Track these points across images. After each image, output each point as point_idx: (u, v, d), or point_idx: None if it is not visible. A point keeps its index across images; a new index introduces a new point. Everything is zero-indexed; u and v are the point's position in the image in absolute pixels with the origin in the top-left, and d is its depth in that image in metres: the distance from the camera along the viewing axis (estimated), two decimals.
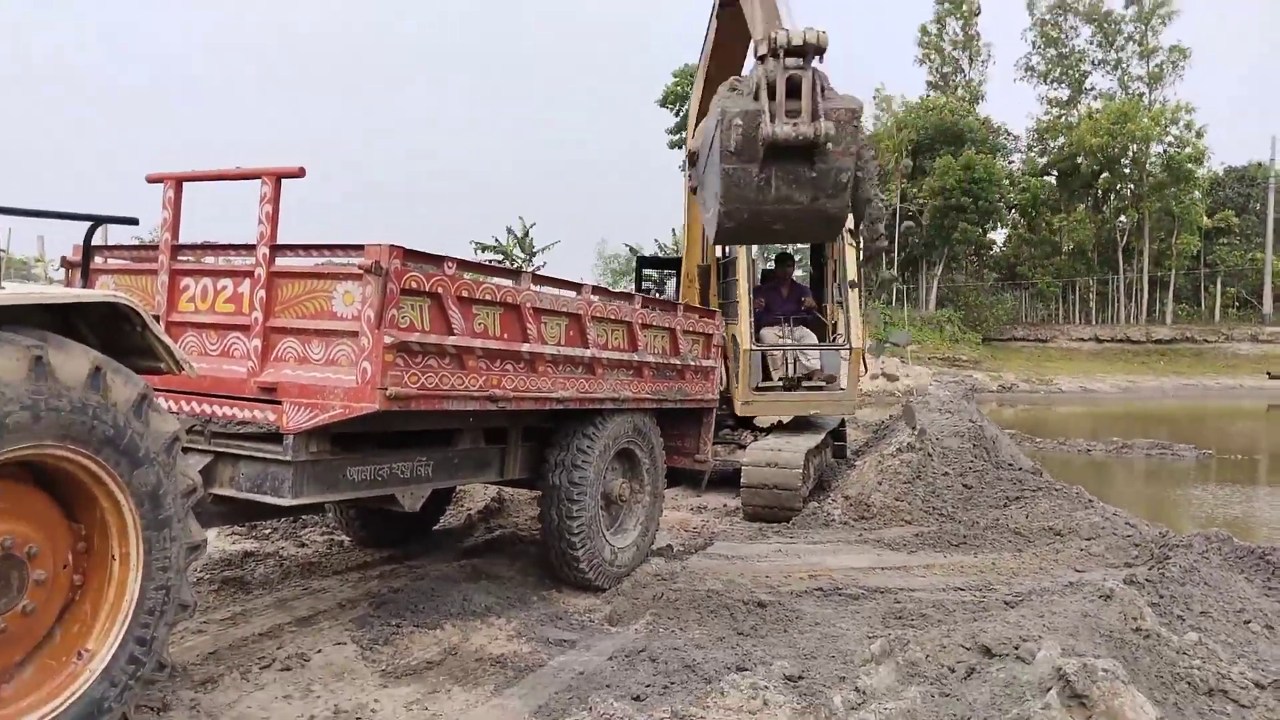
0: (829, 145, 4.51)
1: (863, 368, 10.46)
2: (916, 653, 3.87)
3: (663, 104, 51.70)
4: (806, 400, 10.28)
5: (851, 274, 10.34)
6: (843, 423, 11.90)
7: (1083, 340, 52.82)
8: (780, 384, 10.26)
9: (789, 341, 10.35)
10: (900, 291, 51.31)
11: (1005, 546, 7.74)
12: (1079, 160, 53.74)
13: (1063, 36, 58.56)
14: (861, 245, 5.46)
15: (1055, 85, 59.12)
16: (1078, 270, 57.01)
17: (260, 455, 4.40)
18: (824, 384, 10.26)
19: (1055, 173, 56.17)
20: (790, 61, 4.53)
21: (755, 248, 11.67)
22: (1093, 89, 58.82)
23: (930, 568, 7.07)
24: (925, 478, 9.34)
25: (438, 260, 4.51)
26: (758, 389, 10.07)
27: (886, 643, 4.20)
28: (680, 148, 52.12)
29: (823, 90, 4.54)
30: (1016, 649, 3.81)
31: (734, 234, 5.07)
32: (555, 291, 5.44)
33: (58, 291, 3.41)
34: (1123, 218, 56.64)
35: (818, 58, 4.61)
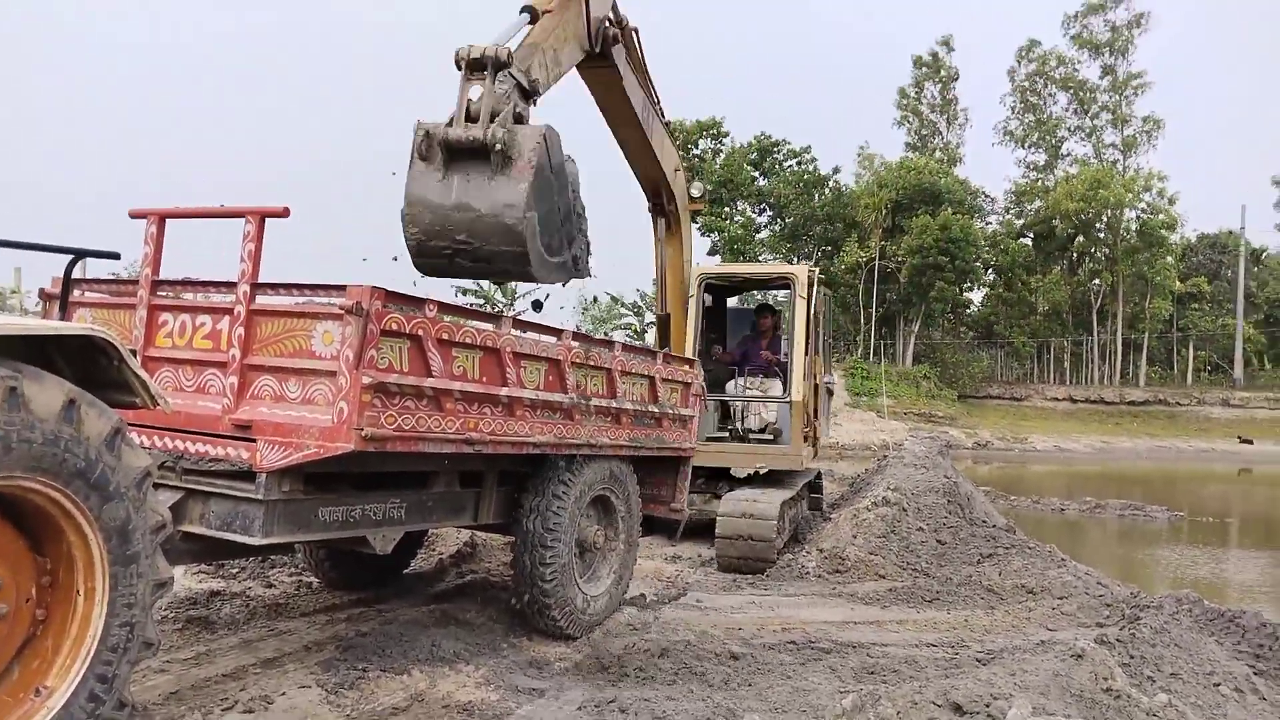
0: (510, 157, 4.93)
1: (807, 420, 10.35)
2: (888, 709, 3.86)
3: None
4: (752, 453, 10.27)
5: (799, 325, 10.31)
6: (819, 475, 11.93)
7: (1057, 400, 53.26)
8: (727, 435, 10.32)
9: (750, 393, 10.39)
10: (877, 346, 51.67)
11: (978, 603, 7.74)
12: (1055, 223, 54.72)
13: (1040, 103, 59.93)
14: (568, 266, 5.58)
15: (1033, 149, 60.38)
16: (1053, 330, 57.74)
17: (231, 493, 4.36)
18: (773, 437, 10.26)
19: (1031, 234, 57.09)
20: (475, 75, 5.07)
21: (726, 299, 11.75)
22: (1069, 154, 60.08)
23: (903, 623, 7.06)
24: (900, 533, 9.37)
25: (419, 302, 4.52)
26: (710, 439, 10.09)
27: (858, 698, 4.18)
28: None
29: (521, 117, 5.12)
30: (988, 707, 3.81)
31: (423, 247, 5.23)
32: (536, 336, 5.46)
33: (35, 323, 3.39)
34: (1097, 280, 57.51)
35: (503, 73, 5.15)
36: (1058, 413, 51.42)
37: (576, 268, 5.80)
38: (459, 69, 5.17)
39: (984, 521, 10.71)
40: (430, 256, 5.29)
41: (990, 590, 8.12)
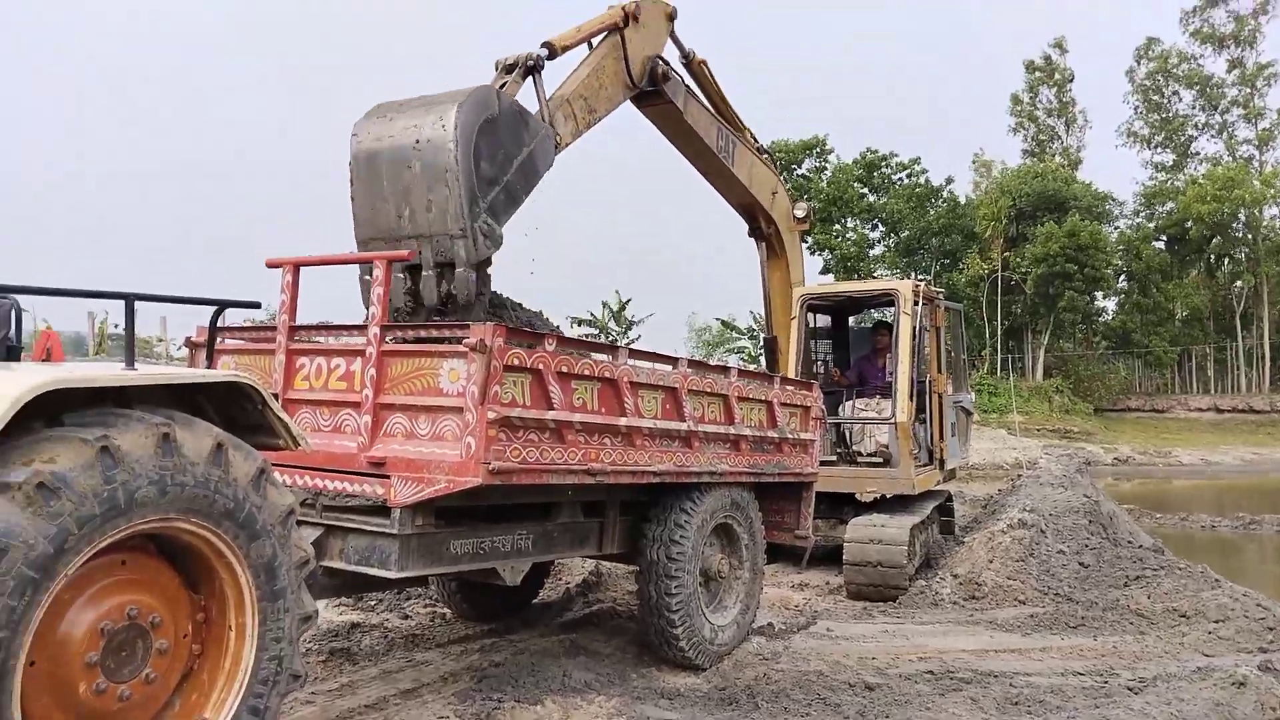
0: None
1: (919, 442, 9.97)
2: None
3: None
4: (860, 476, 9.99)
5: (904, 342, 9.91)
6: (949, 497, 11.55)
7: (1201, 410, 50.28)
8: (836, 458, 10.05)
9: (863, 414, 10.12)
10: (1005, 361, 49.93)
11: (1127, 629, 7.34)
12: (1188, 226, 51.98)
13: (1165, 101, 57.22)
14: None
15: (1159, 150, 57.61)
16: (1194, 337, 54.60)
17: (368, 528, 4.52)
18: (883, 460, 9.95)
19: (1164, 238, 54.38)
20: None
21: (819, 319, 11.50)
22: (1199, 153, 57.09)
23: (1047, 650, 6.75)
24: (1039, 555, 8.99)
25: (538, 337, 4.62)
26: (822, 463, 9.85)
27: None
28: None
29: None
30: None
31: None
32: (651, 365, 5.49)
33: (185, 372, 3.60)
34: (1239, 283, 54.19)
35: None
36: (1203, 424, 48.54)
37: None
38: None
39: (1129, 541, 10.19)
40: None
41: (1139, 614, 7.70)
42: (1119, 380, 52.73)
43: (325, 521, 4.67)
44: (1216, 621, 7.32)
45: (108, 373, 3.08)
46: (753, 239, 10.04)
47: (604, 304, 48.11)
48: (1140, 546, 10.08)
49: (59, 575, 2.71)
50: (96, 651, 2.90)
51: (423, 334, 4.86)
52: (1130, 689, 5.65)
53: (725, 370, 6.29)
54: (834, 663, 6.20)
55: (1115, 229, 54.72)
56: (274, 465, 3.49)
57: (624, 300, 47.56)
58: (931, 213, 50.51)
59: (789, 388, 6.97)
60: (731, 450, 6.16)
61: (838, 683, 5.65)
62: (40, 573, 2.64)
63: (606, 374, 5.03)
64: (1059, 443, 36.69)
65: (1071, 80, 56.86)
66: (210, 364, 3.92)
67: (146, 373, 3.17)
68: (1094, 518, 10.67)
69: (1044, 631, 7.29)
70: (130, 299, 3.28)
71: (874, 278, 44.35)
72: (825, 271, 50.84)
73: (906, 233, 50.40)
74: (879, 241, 52.15)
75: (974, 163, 54.88)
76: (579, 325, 45.30)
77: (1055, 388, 47.29)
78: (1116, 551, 9.76)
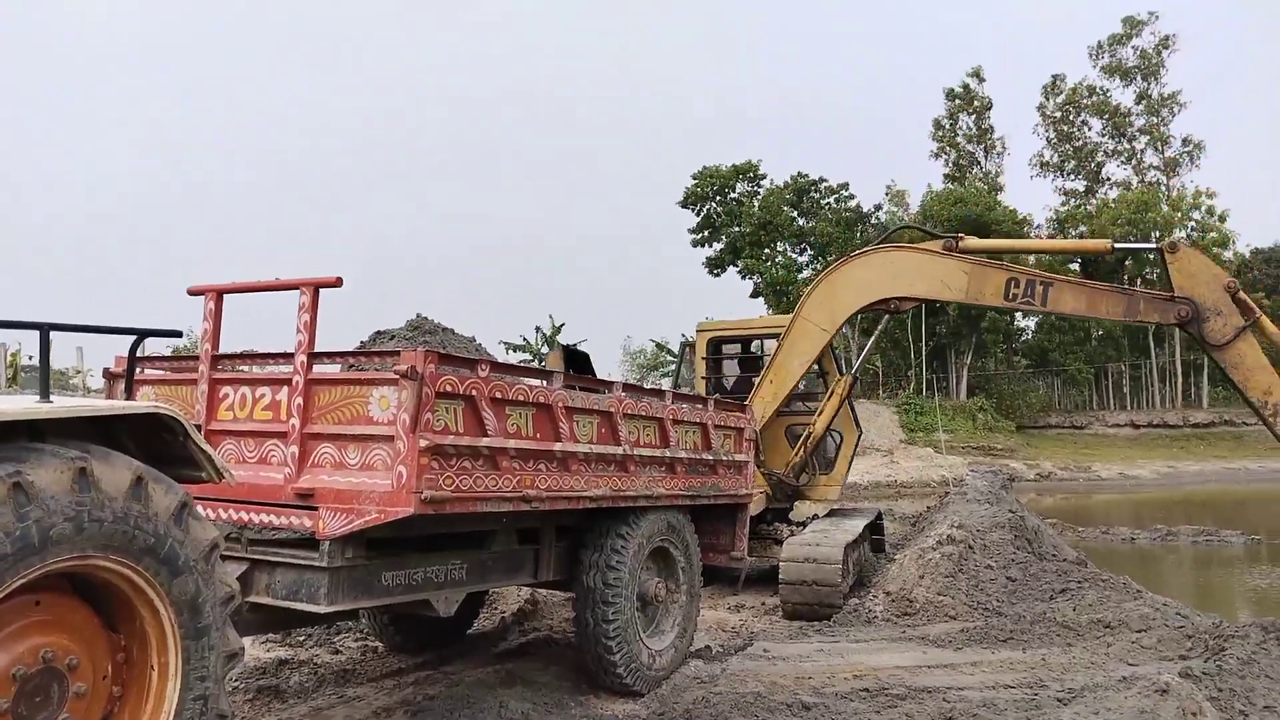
0: None
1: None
2: None
3: (683, 204, 52.64)
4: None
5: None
6: (879, 515, 11.74)
7: (1119, 426, 51.96)
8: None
9: None
10: (930, 380, 51.01)
11: (1054, 641, 7.50)
12: None
13: (1075, 130, 59.39)
14: None
15: (1071, 177, 59.73)
16: (1110, 355, 56.54)
17: (296, 562, 4.40)
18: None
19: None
20: None
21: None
22: (1109, 179, 59.35)
23: (978, 665, 6.86)
24: (968, 571, 9.14)
25: (471, 363, 4.57)
26: None
27: None
28: (701, 246, 52.84)
29: None
30: None
31: None
32: (586, 390, 5.48)
33: (103, 404, 3.48)
34: None
35: None
36: (1120, 439, 50.14)
37: None
38: None
39: (1054, 555, 10.42)
40: None
41: (1066, 626, 7.87)
42: (1039, 398, 54.21)
43: (251, 555, 4.54)
44: (1139, 631, 7.52)
45: (20, 406, 2.96)
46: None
47: (536, 328, 47.98)
48: (1064, 560, 10.31)
49: None
50: (8, 698, 2.76)
51: (351, 361, 4.77)
52: (1059, 700, 5.76)
53: (660, 393, 6.31)
54: (771, 683, 6.21)
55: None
56: (197, 498, 3.39)
57: (557, 325, 47.51)
58: (860, 237, 51.51)
59: (722, 410, 7.01)
60: (667, 473, 6.16)
61: (775, 703, 5.66)
62: None
63: (541, 399, 5.00)
64: (983, 459, 37.56)
65: (990, 108, 58.75)
66: (129, 395, 3.80)
67: (61, 405, 3.05)
68: (1019, 533, 10.91)
69: (975, 646, 7.41)
70: (45, 328, 3.17)
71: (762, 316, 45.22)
72: (754, 295, 51.49)
73: (834, 256, 51.31)
74: (807, 265, 52.99)
75: (887, 192, 56.31)
76: (513, 351, 45.10)
77: (979, 406, 48.48)
78: (1042, 565, 9.97)
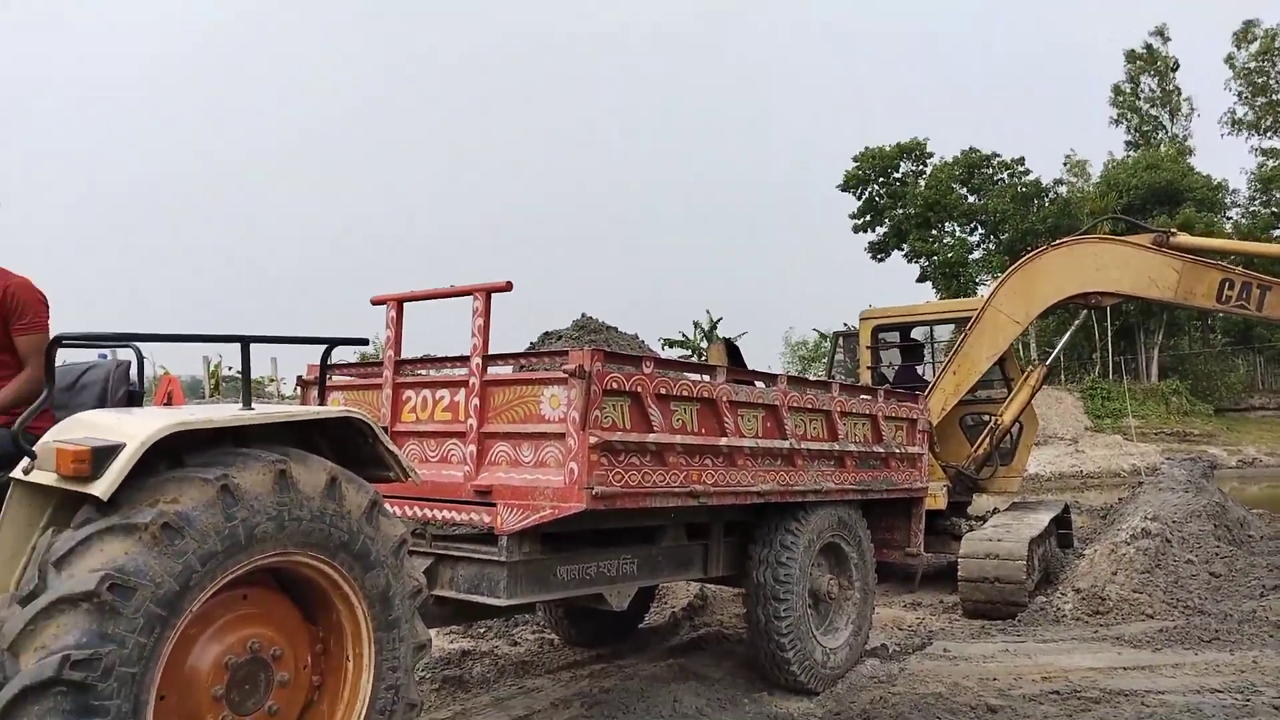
0: None
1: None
2: None
3: (844, 188, 51.46)
4: None
5: None
6: (1066, 508, 11.13)
7: None
8: None
9: None
10: (1117, 364, 47.95)
11: (1267, 642, 6.90)
12: None
13: (1271, 83, 54.37)
14: None
15: (1269, 135, 54.73)
16: None
17: (477, 556, 4.57)
18: None
19: None
20: None
21: None
22: None
23: (1180, 667, 6.39)
24: (1165, 566, 8.54)
25: (636, 360, 4.61)
26: None
27: None
28: (863, 231, 51.50)
29: None
30: None
31: None
32: (750, 383, 5.43)
33: (299, 410, 3.70)
34: None
35: None
36: None
37: None
38: None
39: (1265, 549, 9.62)
40: None
41: None
42: (1240, 378, 50.09)
43: (435, 550, 4.74)
44: None
45: (226, 413, 3.19)
46: None
47: (695, 323, 48.04)
48: (1277, 553, 9.51)
49: (185, 611, 2.80)
50: (222, 685, 2.97)
51: (522, 362, 4.90)
52: (1276, 707, 5.31)
53: (826, 385, 6.18)
54: (953, 684, 5.99)
55: (1228, 219, 52.13)
56: (385, 497, 3.56)
57: (715, 319, 47.41)
58: (1036, 213, 48.88)
59: (893, 401, 6.81)
60: (836, 467, 6.04)
61: (958, 705, 5.46)
62: (167, 610, 2.73)
63: (705, 394, 4.99)
64: (1179, 446, 34.99)
65: (1176, 68, 54.64)
66: (322, 401, 4.03)
67: (263, 412, 3.27)
68: (1223, 524, 10.12)
69: (1175, 647, 6.91)
70: (245, 341, 3.39)
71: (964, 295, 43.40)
72: (922, 279, 49.76)
73: (1008, 234, 48.90)
74: (978, 245, 50.78)
75: (1066, 163, 53.09)
76: (671, 346, 45.34)
77: (1172, 389, 45.09)
78: (1250, 560, 9.23)
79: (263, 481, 2.99)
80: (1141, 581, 8.26)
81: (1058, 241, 10.35)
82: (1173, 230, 9.80)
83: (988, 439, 10.14)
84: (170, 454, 2.96)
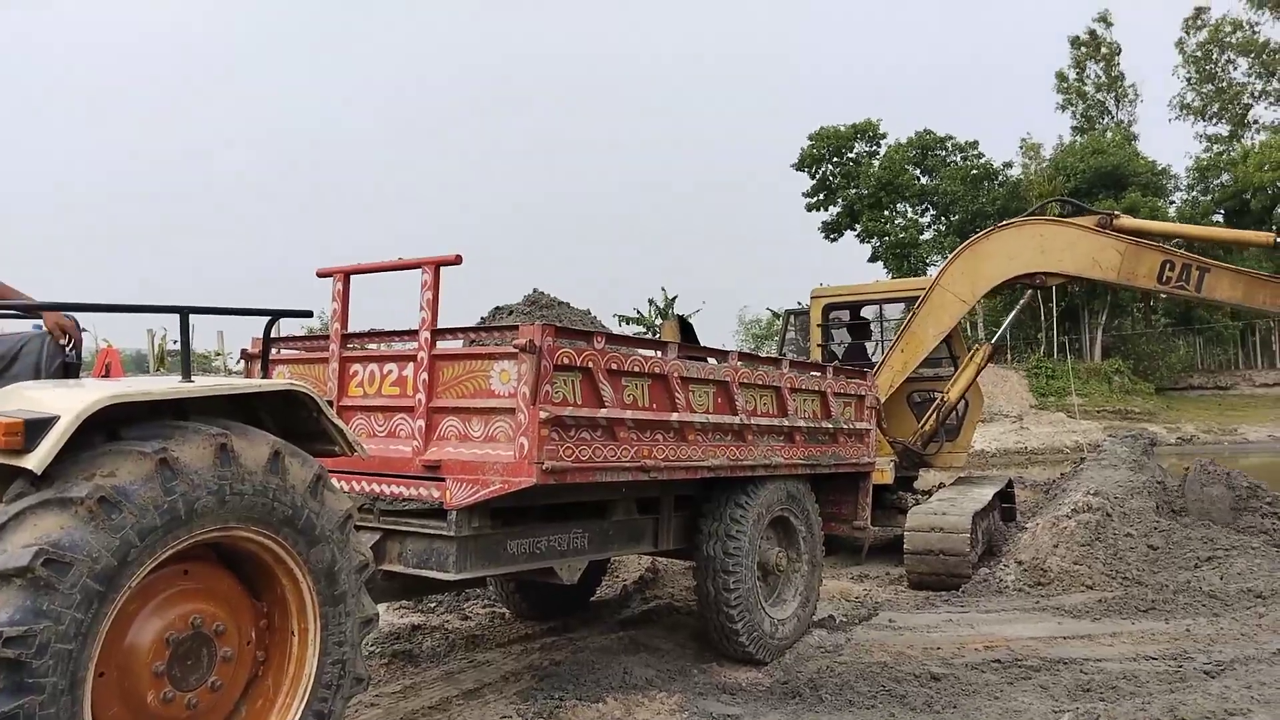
0: None
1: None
2: None
3: (798, 167, 51.71)
4: None
5: None
6: (1009, 483, 11.37)
7: (1268, 385, 48.73)
8: None
9: None
10: (1061, 343, 48.92)
11: (1200, 611, 7.13)
12: (1248, 198, 50.42)
13: (1218, 70, 55.55)
14: None
15: (1214, 121, 55.97)
16: (1257, 311, 53.18)
17: (426, 531, 4.54)
18: None
19: (1222, 211, 52.83)
20: None
21: None
22: (1255, 122, 55.42)
23: (1117, 636, 6.58)
24: (1105, 539, 8.77)
25: (588, 336, 4.60)
26: None
27: (1075, 717, 3.92)
28: (816, 210, 51.87)
29: None
30: None
31: None
32: (702, 359, 5.45)
33: (241, 383, 3.64)
34: None
35: None
36: (1269, 399, 47.06)
37: None
38: None
39: (1201, 523, 9.91)
40: None
41: (1213, 596, 7.48)
42: (1180, 358, 51.45)
43: (383, 525, 4.70)
44: None
45: (164, 386, 3.12)
46: None
47: (650, 300, 48.09)
48: (1211, 527, 9.79)
49: (123, 587, 2.75)
50: (163, 661, 2.93)
51: (472, 336, 4.87)
52: (1206, 672, 5.48)
53: (777, 362, 6.23)
54: (898, 653, 6.11)
55: (1171, 204, 53.31)
56: (331, 471, 3.52)
57: (670, 297, 47.49)
58: (986, 195, 49.54)
59: (842, 378, 6.88)
60: (786, 442, 6.09)
61: (902, 674, 5.57)
62: (105, 585, 2.68)
63: (656, 370, 5.00)
64: (1120, 424, 35.82)
65: (1119, 53, 55.55)
66: (266, 374, 3.96)
67: (203, 384, 3.21)
68: (1162, 499, 10.41)
69: (1114, 616, 7.11)
70: (185, 311, 3.32)
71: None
72: (874, 259, 50.28)
73: (958, 216, 49.53)
74: (929, 226, 51.37)
75: (1022, 145, 53.84)
76: (626, 323, 45.34)
77: (1115, 368, 46.20)
78: (1186, 533, 9.49)
79: (203, 455, 2.95)
80: (1082, 554, 8.46)
81: (1005, 223, 10.51)
82: (1116, 213, 10.00)
83: (934, 415, 10.30)
84: (107, 427, 2.90)
